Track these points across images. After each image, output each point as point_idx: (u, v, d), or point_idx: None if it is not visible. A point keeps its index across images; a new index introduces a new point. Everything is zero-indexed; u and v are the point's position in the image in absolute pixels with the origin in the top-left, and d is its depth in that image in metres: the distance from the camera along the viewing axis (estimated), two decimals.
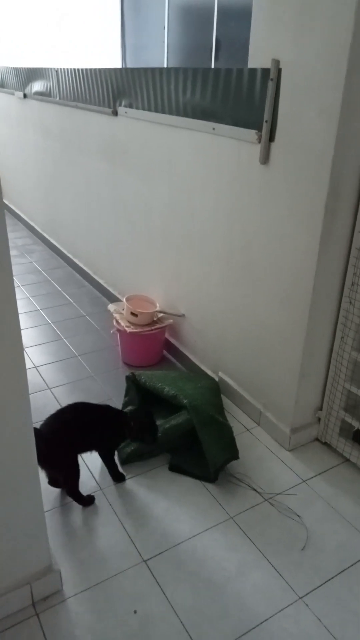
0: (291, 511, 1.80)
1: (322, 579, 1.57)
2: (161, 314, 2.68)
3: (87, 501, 1.79)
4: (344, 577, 1.57)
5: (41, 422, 1.74)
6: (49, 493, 1.83)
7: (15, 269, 3.89)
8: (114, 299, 3.21)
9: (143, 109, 2.50)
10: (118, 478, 1.90)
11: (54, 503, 1.80)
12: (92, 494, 1.83)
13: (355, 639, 1.41)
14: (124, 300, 2.65)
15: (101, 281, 3.45)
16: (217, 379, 2.43)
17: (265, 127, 1.78)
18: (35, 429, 1.67)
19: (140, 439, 1.86)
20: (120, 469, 1.92)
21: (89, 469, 1.95)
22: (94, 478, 1.92)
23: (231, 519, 1.76)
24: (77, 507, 1.79)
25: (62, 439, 1.70)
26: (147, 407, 1.97)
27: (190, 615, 1.45)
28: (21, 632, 1.39)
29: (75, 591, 1.51)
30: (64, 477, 1.78)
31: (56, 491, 1.85)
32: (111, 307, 2.77)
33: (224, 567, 1.59)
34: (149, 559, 1.61)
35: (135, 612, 1.46)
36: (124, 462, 1.98)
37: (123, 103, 2.66)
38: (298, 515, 1.78)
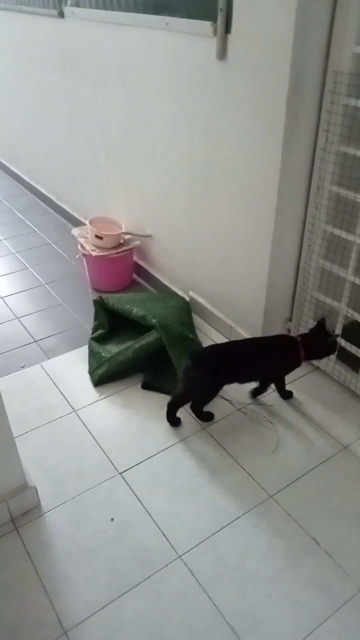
0: (263, 418, 1.84)
1: (291, 478, 1.63)
2: (128, 236, 2.59)
3: (206, 417, 1.83)
4: (312, 476, 1.64)
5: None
6: (21, 417, 1.83)
7: None
8: (79, 224, 3.09)
9: (91, 6, 2.27)
10: (287, 395, 1.93)
11: (26, 427, 1.81)
12: (211, 412, 1.85)
13: (320, 528, 1.49)
14: (88, 223, 2.55)
15: (65, 207, 3.31)
16: (188, 299, 2.40)
17: (221, 17, 1.63)
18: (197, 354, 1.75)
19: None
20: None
21: (61, 393, 1.96)
22: (67, 400, 1.92)
23: (204, 430, 1.80)
24: (50, 430, 1.80)
25: (218, 370, 1.73)
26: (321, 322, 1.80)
27: (165, 519, 1.51)
28: (1, 545, 1.44)
29: (53, 505, 1.55)
30: (200, 398, 1.80)
31: (29, 415, 1.85)
32: (75, 231, 2.66)
33: (197, 474, 1.64)
34: (124, 471, 1.65)
35: (112, 519, 1.51)
36: (96, 384, 1.98)
37: (69, 2, 2.41)
38: (271, 422, 1.82)
